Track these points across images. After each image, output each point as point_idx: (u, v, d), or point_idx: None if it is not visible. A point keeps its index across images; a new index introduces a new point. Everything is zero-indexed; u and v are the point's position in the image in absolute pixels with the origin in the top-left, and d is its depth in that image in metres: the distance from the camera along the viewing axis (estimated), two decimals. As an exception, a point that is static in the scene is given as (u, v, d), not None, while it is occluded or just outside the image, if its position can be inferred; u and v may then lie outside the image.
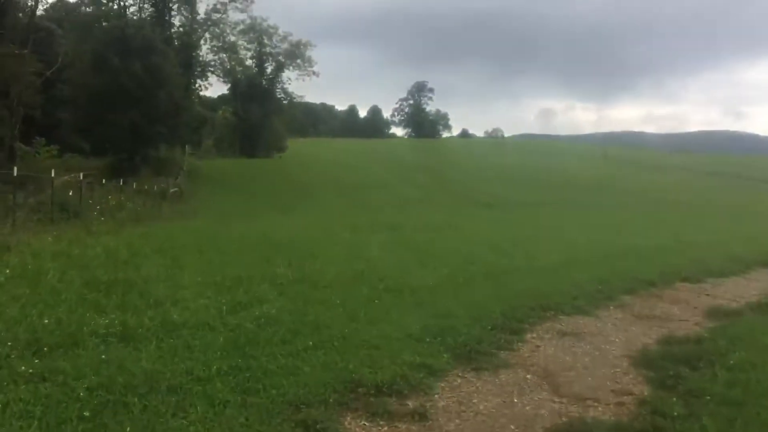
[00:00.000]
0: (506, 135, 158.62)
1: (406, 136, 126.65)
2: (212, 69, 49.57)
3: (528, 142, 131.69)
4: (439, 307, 7.20)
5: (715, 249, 14.41)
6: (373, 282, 8.38)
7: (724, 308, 8.31)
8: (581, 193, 40.54)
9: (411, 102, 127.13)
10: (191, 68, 44.69)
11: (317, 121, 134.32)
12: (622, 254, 12.63)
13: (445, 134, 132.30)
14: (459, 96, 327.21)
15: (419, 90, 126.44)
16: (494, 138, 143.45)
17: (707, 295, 9.46)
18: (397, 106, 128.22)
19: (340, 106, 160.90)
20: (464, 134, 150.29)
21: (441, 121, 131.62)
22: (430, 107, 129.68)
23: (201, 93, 51.97)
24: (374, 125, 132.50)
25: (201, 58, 47.63)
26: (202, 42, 46.80)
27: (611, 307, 8.28)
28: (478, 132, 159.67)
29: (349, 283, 8.17)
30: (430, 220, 20.81)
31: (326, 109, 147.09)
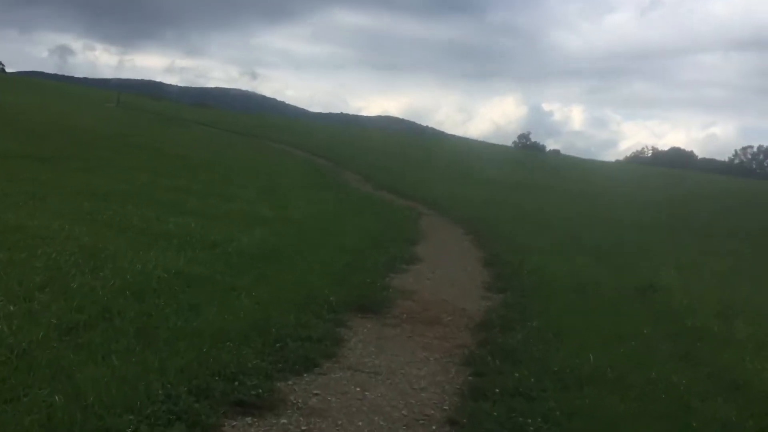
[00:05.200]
0: (9, 70, 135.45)
1: None
2: None
3: (37, 80, 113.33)
4: None
5: (277, 267, 8.90)
6: None
7: None
8: (88, 147, 32.01)
9: None
10: None
11: None
12: (140, 291, 6.04)
13: None
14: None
15: None
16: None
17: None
18: None
19: None
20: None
21: None
22: None
23: None
24: None
25: None
26: None
27: None
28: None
29: None
30: None
31: None
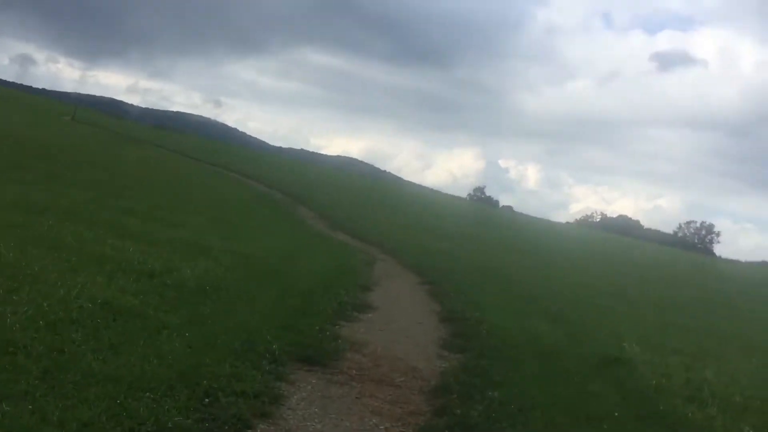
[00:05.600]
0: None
1: None
2: None
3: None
4: None
5: (217, 305, 8.07)
6: None
7: None
8: (34, 159, 30.45)
9: None
10: None
11: None
12: (57, 321, 5.18)
13: None
14: None
15: None
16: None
17: None
18: None
19: None
20: None
21: None
22: None
23: None
24: None
25: None
26: None
27: None
28: None
29: None
30: None
31: None
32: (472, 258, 23.06)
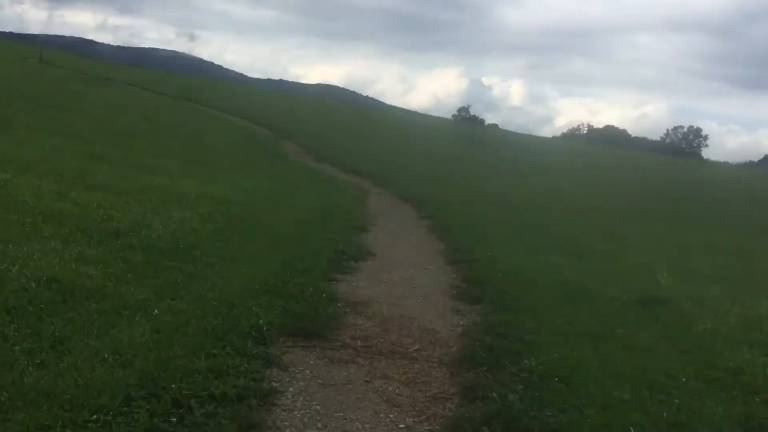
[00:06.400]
0: None
1: None
2: None
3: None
4: None
5: (192, 269, 6.87)
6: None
7: None
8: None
9: None
10: None
11: None
12: None
13: None
14: None
15: None
16: None
17: None
18: None
19: None
20: None
21: None
22: None
23: None
24: None
25: None
26: None
27: None
28: None
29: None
30: None
31: None
32: (467, 183, 21.95)
